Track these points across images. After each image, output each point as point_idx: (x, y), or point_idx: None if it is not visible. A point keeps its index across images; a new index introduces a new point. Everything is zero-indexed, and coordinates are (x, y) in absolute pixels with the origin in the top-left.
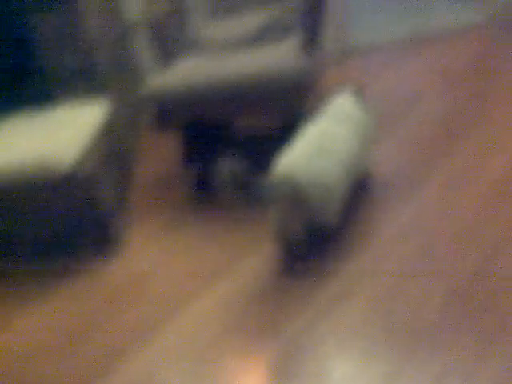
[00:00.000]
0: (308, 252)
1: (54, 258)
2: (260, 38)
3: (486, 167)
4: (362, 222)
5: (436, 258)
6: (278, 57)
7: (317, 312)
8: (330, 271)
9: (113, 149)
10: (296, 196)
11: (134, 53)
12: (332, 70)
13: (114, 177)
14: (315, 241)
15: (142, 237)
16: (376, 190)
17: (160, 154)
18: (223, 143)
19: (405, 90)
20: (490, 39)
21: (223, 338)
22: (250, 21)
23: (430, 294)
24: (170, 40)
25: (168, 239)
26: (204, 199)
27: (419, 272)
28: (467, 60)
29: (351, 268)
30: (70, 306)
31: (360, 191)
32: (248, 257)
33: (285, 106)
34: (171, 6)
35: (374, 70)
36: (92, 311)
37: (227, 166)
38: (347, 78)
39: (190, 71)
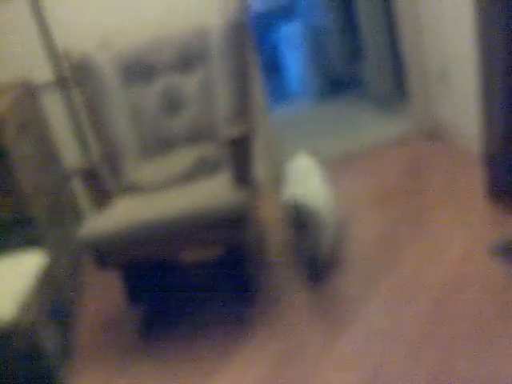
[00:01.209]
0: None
1: None
2: (192, 174)
3: (427, 277)
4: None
5: (387, 381)
6: (211, 192)
7: None
8: None
9: (54, 296)
10: (311, 219)
11: (70, 198)
12: (269, 196)
13: (57, 325)
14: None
15: None
16: (321, 314)
17: (104, 296)
18: (167, 278)
19: (340, 208)
20: (417, 150)
21: None
22: (182, 159)
23: None
24: (104, 184)
25: None
26: (152, 338)
27: None
28: (399, 172)
29: None
30: None
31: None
32: None
33: (223, 238)
34: (104, 152)
35: None
36: None
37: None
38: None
39: (126, 212)
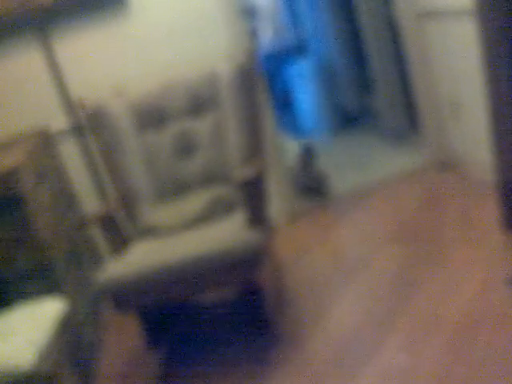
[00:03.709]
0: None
1: None
2: (207, 216)
3: (445, 312)
4: None
5: None
6: (226, 233)
7: None
8: None
9: (73, 343)
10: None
11: (88, 244)
12: (283, 233)
13: (77, 372)
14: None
15: None
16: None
17: (123, 340)
18: (185, 320)
19: (356, 245)
20: (431, 182)
21: None
22: (196, 201)
23: None
24: (121, 228)
25: None
26: (171, 382)
27: None
28: (414, 205)
29: None
30: None
31: None
32: None
33: (239, 278)
34: (120, 197)
35: (324, 227)
36: None
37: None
38: (299, 238)
39: (142, 256)
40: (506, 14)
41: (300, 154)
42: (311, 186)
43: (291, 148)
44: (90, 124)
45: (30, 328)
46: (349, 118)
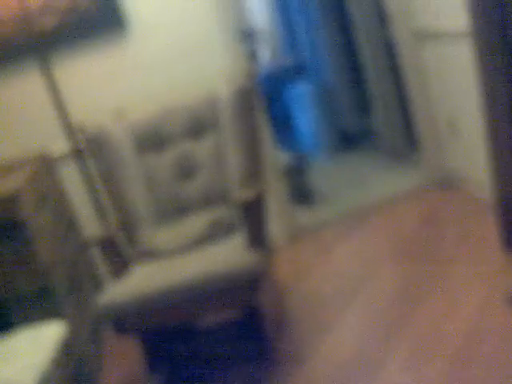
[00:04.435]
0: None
1: None
2: (207, 238)
3: (445, 332)
4: None
5: None
6: (226, 255)
7: None
8: None
9: (74, 367)
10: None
11: (88, 267)
12: (282, 253)
13: None
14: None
15: None
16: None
17: (124, 363)
18: (186, 344)
19: (356, 264)
20: (430, 200)
21: None
22: (196, 223)
23: None
24: (122, 251)
25: None
26: None
27: None
28: (413, 224)
29: None
30: None
31: None
32: None
33: (239, 300)
34: (121, 220)
35: (324, 247)
36: None
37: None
38: (299, 259)
39: (143, 279)
40: (500, 35)
41: (291, 163)
42: (300, 195)
43: (287, 164)
44: (90, 148)
45: (30, 352)
46: (348, 138)
